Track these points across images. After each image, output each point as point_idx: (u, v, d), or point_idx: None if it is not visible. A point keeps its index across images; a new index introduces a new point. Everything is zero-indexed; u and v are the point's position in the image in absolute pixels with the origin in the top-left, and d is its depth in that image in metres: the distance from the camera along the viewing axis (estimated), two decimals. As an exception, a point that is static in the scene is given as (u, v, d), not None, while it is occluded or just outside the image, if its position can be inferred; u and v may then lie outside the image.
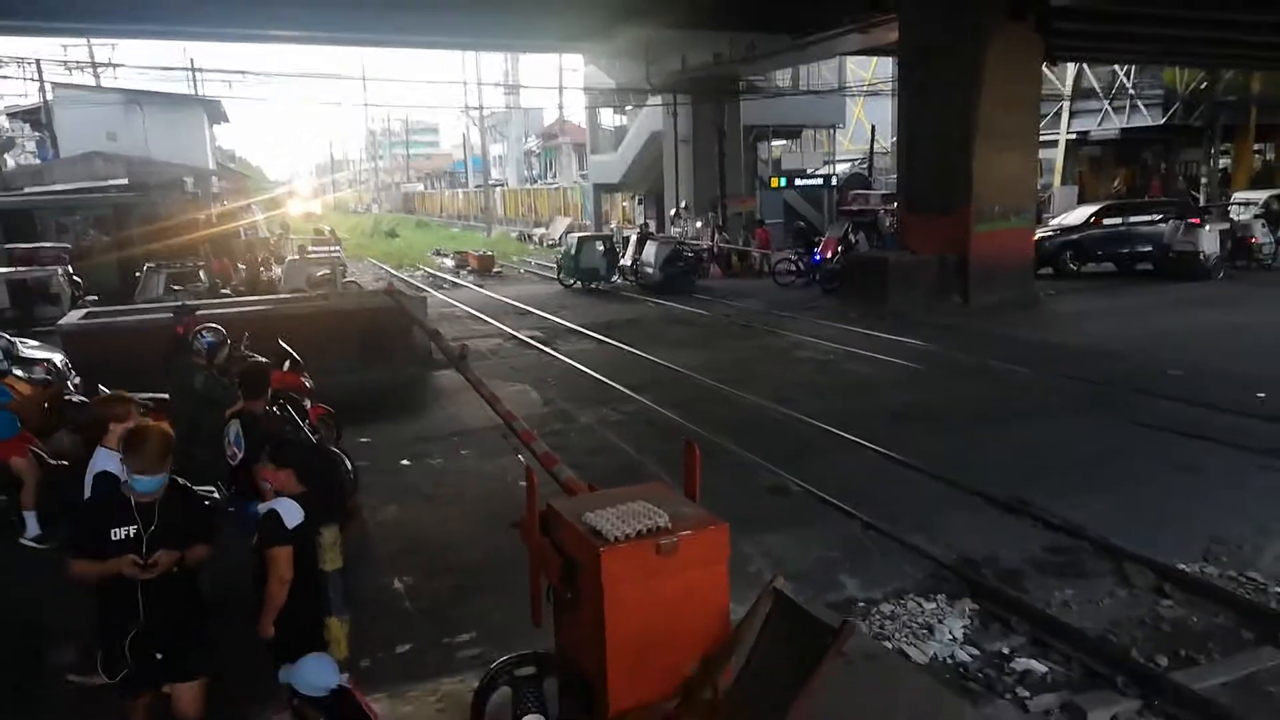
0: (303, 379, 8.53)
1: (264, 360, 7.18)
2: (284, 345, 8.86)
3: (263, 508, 4.14)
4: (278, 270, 21.46)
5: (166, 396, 7.59)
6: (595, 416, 10.50)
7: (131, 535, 3.71)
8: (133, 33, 26.23)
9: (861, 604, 5.69)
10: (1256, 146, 38.79)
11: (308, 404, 8.03)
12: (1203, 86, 33.90)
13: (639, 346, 14.57)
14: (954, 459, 8.28)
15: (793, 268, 22.51)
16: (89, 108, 32.60)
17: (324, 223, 40.79)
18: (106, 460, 4.46)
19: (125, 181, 26.56)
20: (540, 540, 3.77)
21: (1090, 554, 6.27)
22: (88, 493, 4.42)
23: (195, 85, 37.32)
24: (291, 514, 3.96)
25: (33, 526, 6.97)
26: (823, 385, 11.70)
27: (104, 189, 25.53)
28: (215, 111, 39.87)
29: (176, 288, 17.31)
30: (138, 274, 18.23)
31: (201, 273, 18.83)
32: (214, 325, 7.47)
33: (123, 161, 28.96)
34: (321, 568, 4.02)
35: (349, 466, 7.39)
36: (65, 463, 7.37)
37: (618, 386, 11.76)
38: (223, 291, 18.19)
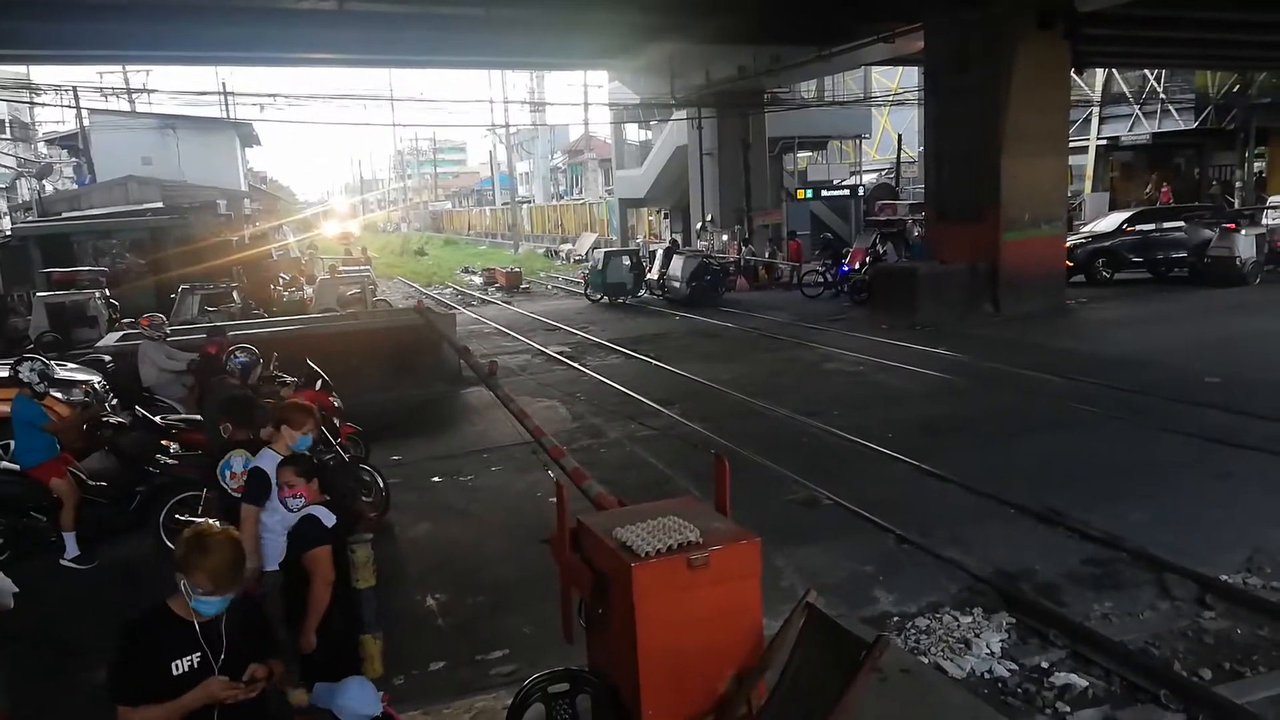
0: (332, 398, 8.61)
1: (258, 390, 7.15)
2: (313, 365, 8.96)
3: (295, 516, 4.20)
4: (309, 290, 21.72)
5: (200, 417, 7.70)
6: (624, 431, 10.50)
7: (196, 665, 2.95)
8: (167, 59, 26.71)
9: (896, 618, 5.63)
10: (1292, 149, 38.11)
11: (337, 422, 8.11)
12: (1235, 89, 33.42)
13: (667, 360, 14.57)
14: (987, 470, 8.19)
15: (820, 279, 22.44)
16: (124, 133, 33.18)
17: (357, 243, 41.04)
18: (266, 460, 4.68)
19: (160, 205, 26.99)
20: (571, 556, 3.77)
21: (1129, 565, 6.16)
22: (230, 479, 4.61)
23: (227, 109, 37.97)
24: (327, 516, 4.06)
25: (72, 548, 7.07)
26: (853, 397, 11.62)
27: (139, 213, 25.93)
28: (247, 134, 40.48)
29: (210, 309, 17.56)
30: (173, 296, 18.52)
31: (235, 294, 19.10)
32: (247, 345, 7.57)
33: (157, 185, 29.45)
34: (355, 585, 4.06)
35: (380, 484, 7.45)
36: (104, 484, 7.49)
37: (646, 401, 11.76)
38: (254, 312, 18.43)
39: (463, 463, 9.57)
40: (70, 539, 7.07)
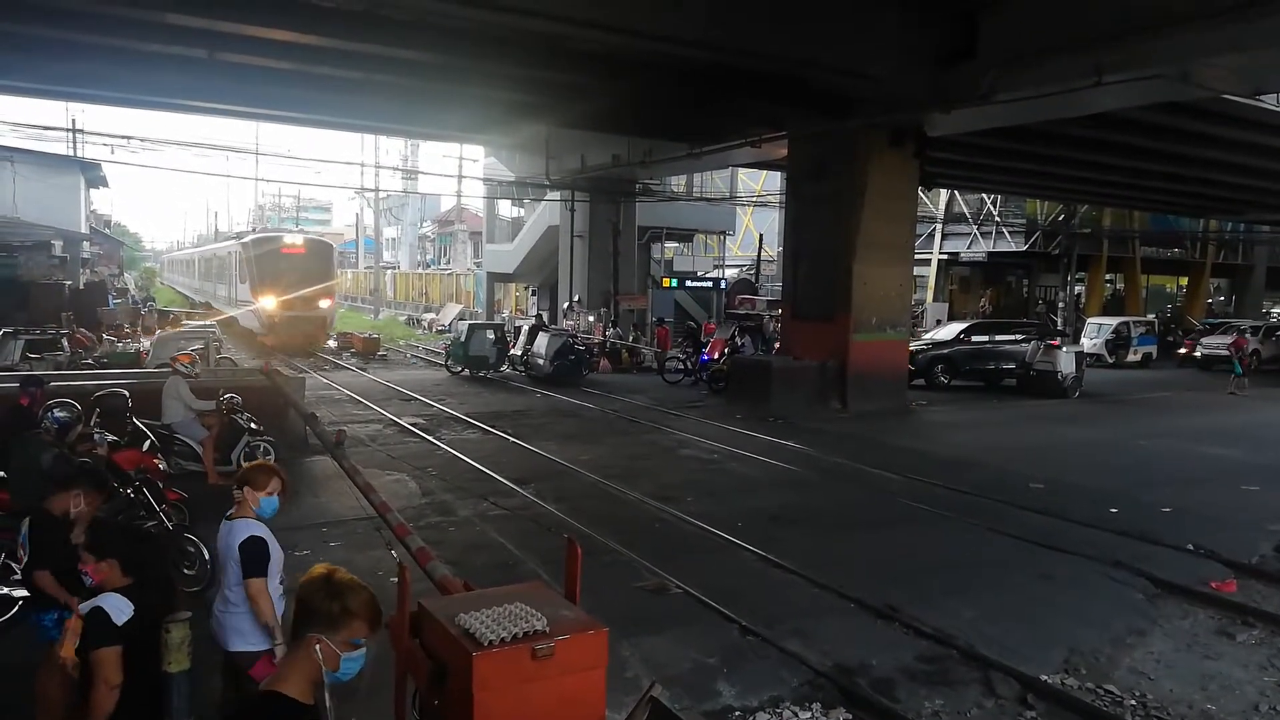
0: (156, 461, 8.05)
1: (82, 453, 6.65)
2: (139, 424, 8.38)
3: (85, 605, 3.79)
4: (146, 342, 20.45)
5: (4, 474, 7.03)
6: (475, 510, 10.23)
7: None
8: (12, 90, 25.10)
9: (738, 712, 5.61)
10: (1108, 276, 42.30)
11: (161, 487, 7.57)
12: (1061, 218, 36.85)
13: (525, 438, 14.40)
14: (830, 563, 8.39)
15: (681, 366, 22.90)
16: (-46, 162, 30.89)
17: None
18: (254, 527, 4.49)
19: (-13, 241, 25.11)
20: (409, 643, 3.59)
21: (958, 662, 6.38)
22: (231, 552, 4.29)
23: (75, 147, 35.79)
24: (119, 610, 3.64)
25: None
26: (705, 484, 11.77)
27: (-40, 247, 24.04)
28: (94, 175, 38.33)
29: (34, 356, 16.25)
30: (-10, 339, 17.05)
31: (64, 341, 17.77)
32: (68, 401, 7.00)
33: (-15, 221, 27.46)
34: (165, 669, 3.72)
35: (205, 555, 6.96)
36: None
37: (501, 479, 11.54)
38: (84, 362, 17.17)
39: (299, 536, 9.03)
40: None
